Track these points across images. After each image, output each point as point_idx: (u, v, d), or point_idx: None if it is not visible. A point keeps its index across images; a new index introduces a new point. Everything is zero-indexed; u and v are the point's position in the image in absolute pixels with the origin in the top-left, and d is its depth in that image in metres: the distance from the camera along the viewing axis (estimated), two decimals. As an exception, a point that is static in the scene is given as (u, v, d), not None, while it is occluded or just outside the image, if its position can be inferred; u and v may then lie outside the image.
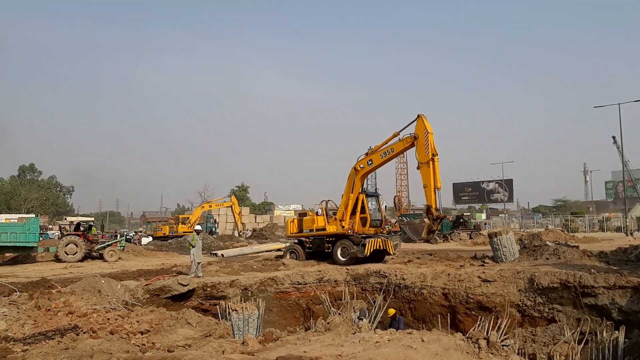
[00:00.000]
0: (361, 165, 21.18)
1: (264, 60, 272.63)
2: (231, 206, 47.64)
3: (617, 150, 60.72)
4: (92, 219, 33.33)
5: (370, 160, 20.99)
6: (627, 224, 50.10)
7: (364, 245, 20.41)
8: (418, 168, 19.11)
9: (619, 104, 46.87)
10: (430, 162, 18.63)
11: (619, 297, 13.51)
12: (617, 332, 11.27)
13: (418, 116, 19.28)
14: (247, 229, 55.94)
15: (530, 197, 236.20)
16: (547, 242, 22.30)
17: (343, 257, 20.91)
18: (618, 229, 54.98)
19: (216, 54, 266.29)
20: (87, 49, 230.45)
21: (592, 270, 15.01)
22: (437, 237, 39.99)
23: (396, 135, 20.31)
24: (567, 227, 56.28)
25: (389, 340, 7.75)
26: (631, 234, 44.91)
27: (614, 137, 64.06)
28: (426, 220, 18.99)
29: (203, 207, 48.29)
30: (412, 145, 19.44)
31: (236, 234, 49.08)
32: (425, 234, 19.06)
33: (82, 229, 27.71)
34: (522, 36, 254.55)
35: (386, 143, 21.21)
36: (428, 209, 19.12)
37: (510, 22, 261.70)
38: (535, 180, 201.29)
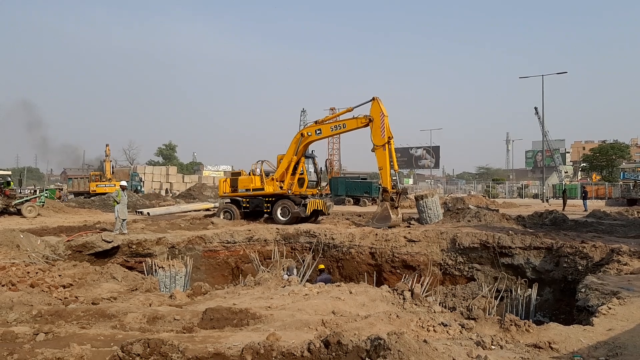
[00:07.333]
0: (309, 133, 21.08)
1: (197, 16, 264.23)
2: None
3: (538, 121, 63.67)
4: (10, 172, 31.52)
5: (319, 130, 20.87)
6: (544, 191, 52.87)
7: (305, 205, 20.96)
8: (373, 150, 19.29)
9: (542, 75, 48.72)
10: (386, 145, 18.96)
11: (533, 257, 14.37)
12: (530, 289, 11.96)
13: (373, 98, 19.33)
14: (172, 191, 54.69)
15: (455, 164, 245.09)
16: (470, 206, 23.26)
17: (284, 217, 21.16)
18: (535, 196, 57.89)
19: (147, 7, 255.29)
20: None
21: (510, 232, 15.83)
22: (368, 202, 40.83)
23: (350, 111, 20.34)
24: (489, 193, 58.84)
25: (318, 292, 7.88)
26: (547, 200, 47.53)
27: (536, 108, 67.21)
28: (386, 203, 19.30)
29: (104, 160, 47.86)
30: (366, 125, 19.55)
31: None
32: (394, 216, 19.19)
33: (-2, 183, 26.27)
34: (451, 4, 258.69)
35: (337, 116, 21.22)
36: (384, 190, 19.56)
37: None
38: (461, 148, 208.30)
